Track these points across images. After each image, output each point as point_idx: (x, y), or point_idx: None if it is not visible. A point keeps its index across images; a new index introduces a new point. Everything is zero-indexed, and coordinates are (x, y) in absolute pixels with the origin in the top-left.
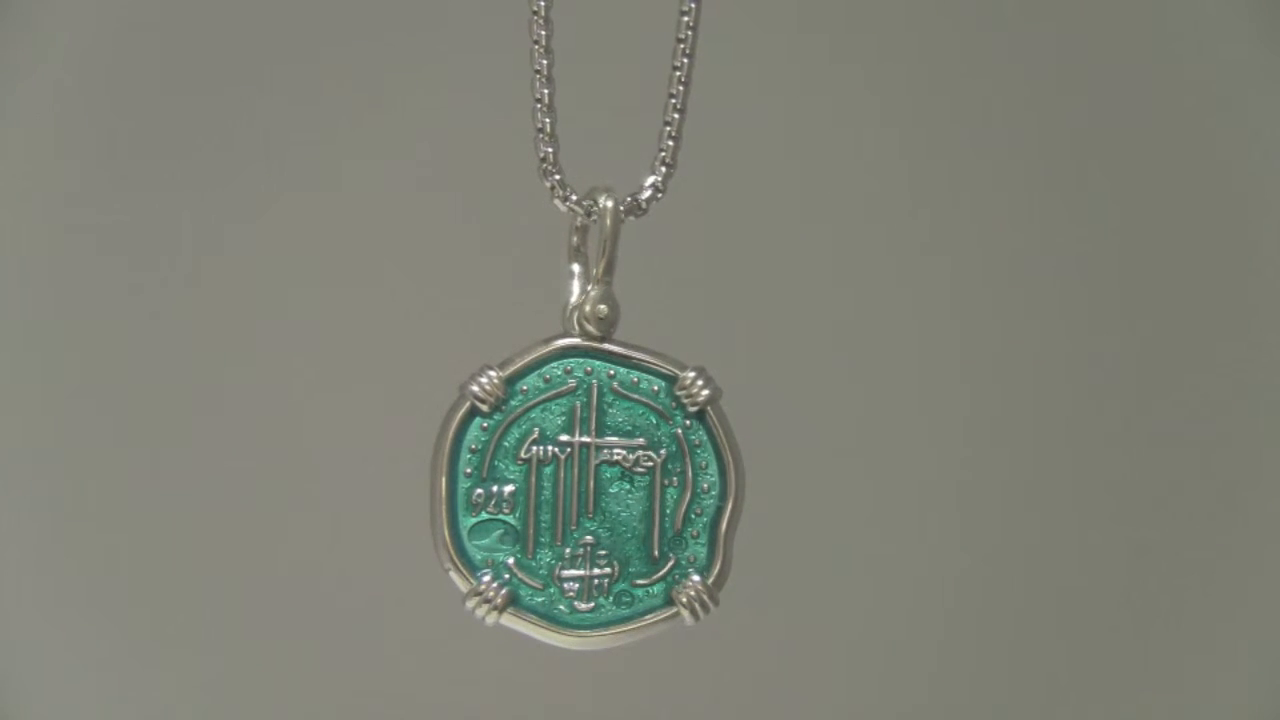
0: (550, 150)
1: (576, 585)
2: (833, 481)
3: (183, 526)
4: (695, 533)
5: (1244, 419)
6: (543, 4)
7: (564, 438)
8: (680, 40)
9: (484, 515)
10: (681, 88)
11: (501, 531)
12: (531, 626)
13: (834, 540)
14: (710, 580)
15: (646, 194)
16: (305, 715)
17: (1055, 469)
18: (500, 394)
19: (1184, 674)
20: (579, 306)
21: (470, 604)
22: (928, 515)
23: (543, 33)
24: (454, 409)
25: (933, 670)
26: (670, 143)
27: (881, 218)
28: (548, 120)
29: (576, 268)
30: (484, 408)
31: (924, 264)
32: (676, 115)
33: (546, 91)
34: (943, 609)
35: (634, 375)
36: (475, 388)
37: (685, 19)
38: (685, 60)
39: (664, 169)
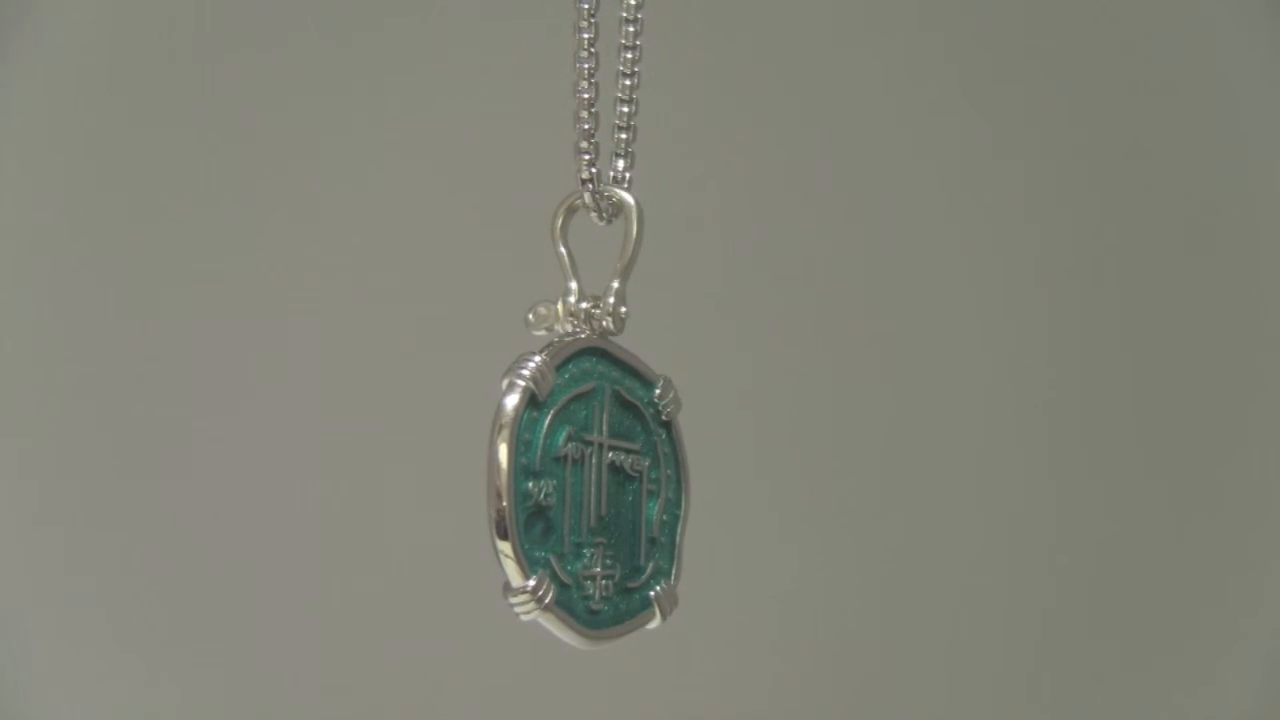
0: (595, 142)
1: (592, 586)
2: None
3: (184, 527)
4: (664, 539)
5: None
6: (586, 6)
7: (587, 437)
8: (626, 47)
9: (530, 510)
10: (633, 99)
11: (544, 526)
12: (561, 626)
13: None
14: (672, 582)
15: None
16: (308, 715)
17: (1030, 474)
18: (551, 384)
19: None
20: (593, 303)
21: (518, 599)
22: (888, 519)
23: (593, 19)
24: (509, 395)
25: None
26: (629, 153)
27: (863, 216)
28: (593, 110)
29: (564, 253)
30: (539, 397)
31: (893, 266)
32: (631, 124)
33: (594, 81)
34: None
35: (629, 380)
36: (526, 372)
37: (630, 28)
38: (635, 68)
39: (627, 177)
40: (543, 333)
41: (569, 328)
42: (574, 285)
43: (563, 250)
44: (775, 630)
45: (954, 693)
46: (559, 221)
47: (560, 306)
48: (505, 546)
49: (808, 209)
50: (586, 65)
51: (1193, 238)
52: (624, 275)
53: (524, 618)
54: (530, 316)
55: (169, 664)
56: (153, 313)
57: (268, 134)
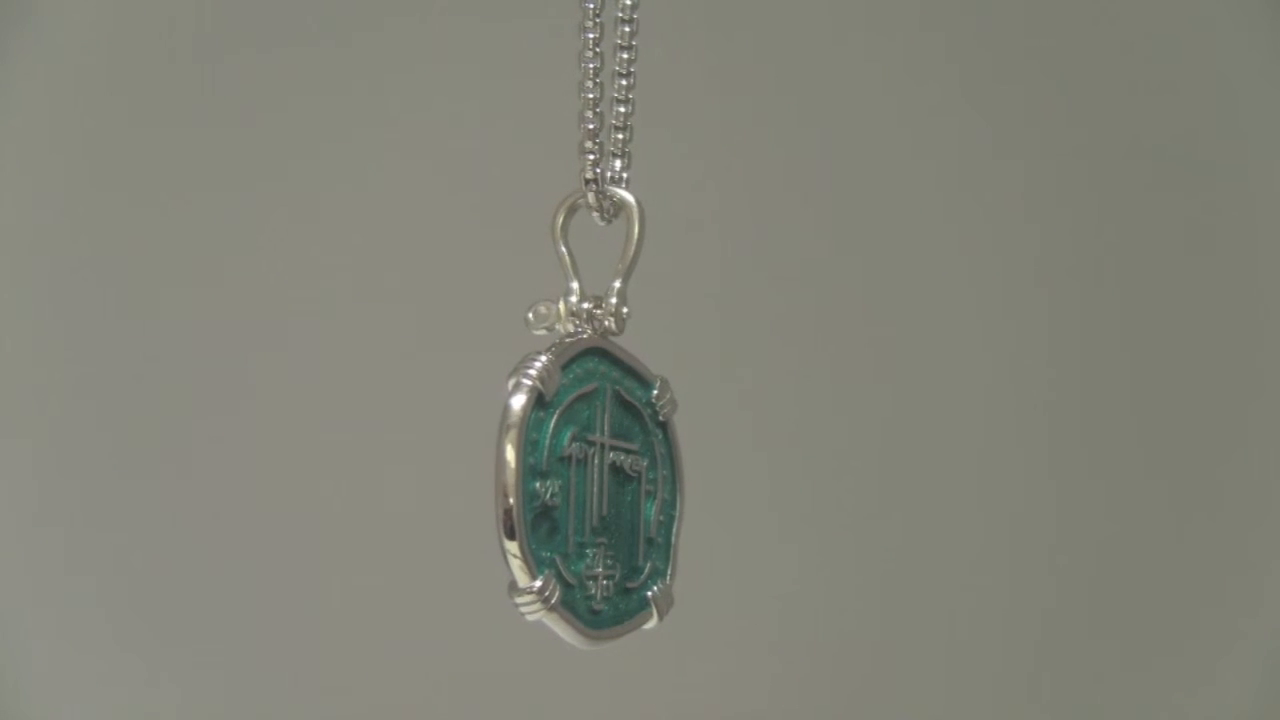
0: (600, 142)
1: (594, 586)
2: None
3: (185, 527)
4: (660, 539)
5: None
6: (591, 5)
7: (590, 437)
8: (622, 47)
9: (537, 510)
10: (629, 99)
11: (549, 526)
12: (565, 626)
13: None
14: (668, 583)
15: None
16: (308, 714)
17: (1030, 474)
18: (557, 384)
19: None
20: (595, 304)
21: (524, 599)
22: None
23: (598, 19)
24: (517, 395)
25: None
26: (626, 153)
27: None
28: (598, 110)
29: (565, 253)
30: (546, 397)
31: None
32: (628, 124)
33: (599, 81)
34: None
35: (628, 381)
36: (533, 371)
37: (626, 28)
38: (630, 68)
39: (624, 177)
40: (543, 332)
41: (571, 328)
42: (575, 285)
43: (564, 250)
44: (775, 631)
45: (954, 693)
46: (559, 221)
47: (562, 306)
48: (513, 546)
49: (808, 209)
50: (592, 65)
51: (1193, 238)
52: (626, 275)
53: (529, 618)
54: (530, 316)
55: (169, 664)
56: (153, 313)
57: (268, 134)
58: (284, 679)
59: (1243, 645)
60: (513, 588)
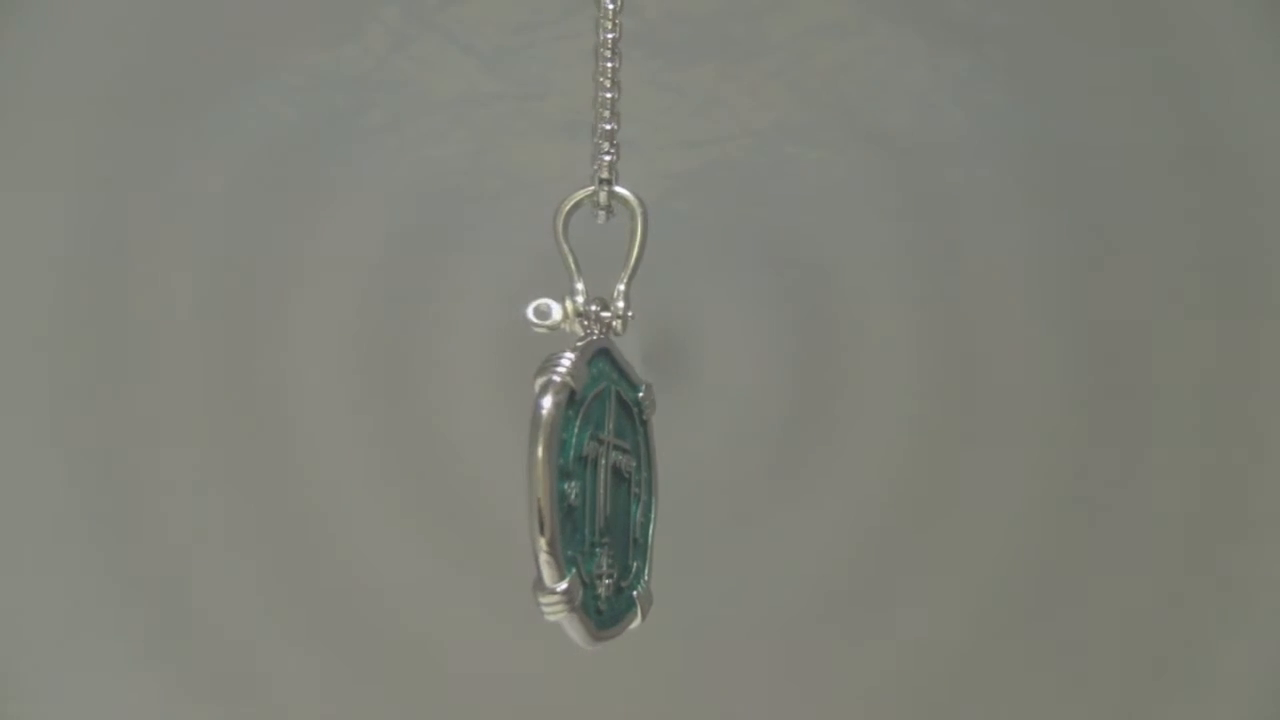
0: (617, 143)
1: (600, 586)
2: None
3: (185, 526)
4: (641, 539)
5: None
6: (611, 5)
7: (601, 437)
8: (611, 56)
9: (564, 511)
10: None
11: (571, 527)
12: (579, 627)
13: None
14: (648, 581)
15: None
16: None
17: (1027, 473)
18: (584, 383)
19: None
20: (602, 305)
21: (550, 599)
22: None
23: (617, 20)
24: (550, 395)
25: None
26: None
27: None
28: (616, 109)
29: (568, 252)
30: (576, 396)
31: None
32: (611, 116)
33: (617, 80)
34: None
35: (623, 381)
36: (563, 369)
37: (610, 35)
38: (611, 65)
39: (613, 174)
40: (544, 330)
41: (579, 328)
42: (580, 285)
43: (566, 248)
44: (773, 630)
45: (948, 695)
46: (563, 220)
47: (568, 306)
48: (545, 546)
49: (802, 210)
50: (610, 64)
51: (1190, 238)
52: (630, 275)
53: (551, 618)
54: (532, 314)
55: (167, 664)
56: (160, 315)
57: (271, 132)
58: (284, 680)
59: (1241, 648)
60: (539, 588)
